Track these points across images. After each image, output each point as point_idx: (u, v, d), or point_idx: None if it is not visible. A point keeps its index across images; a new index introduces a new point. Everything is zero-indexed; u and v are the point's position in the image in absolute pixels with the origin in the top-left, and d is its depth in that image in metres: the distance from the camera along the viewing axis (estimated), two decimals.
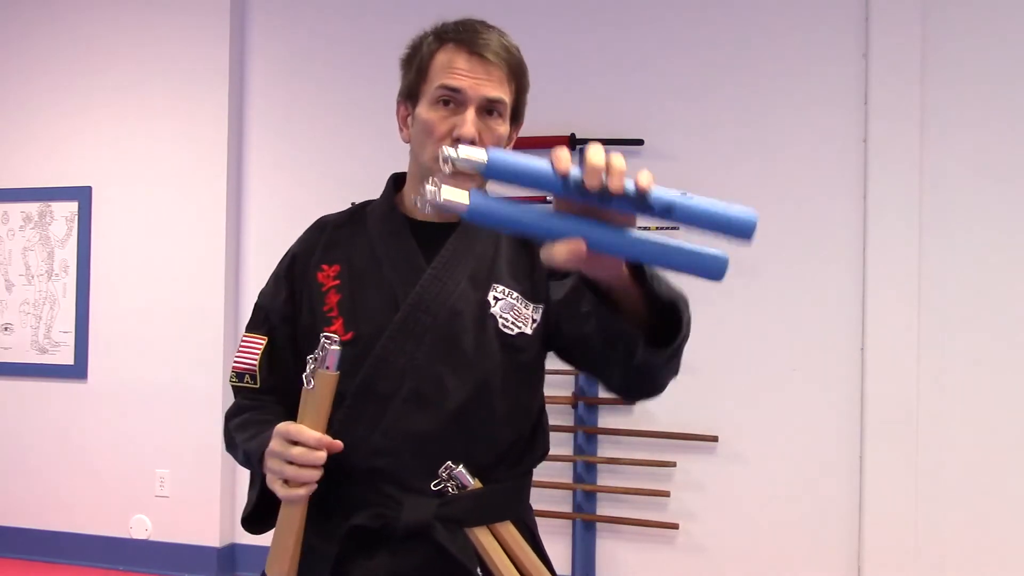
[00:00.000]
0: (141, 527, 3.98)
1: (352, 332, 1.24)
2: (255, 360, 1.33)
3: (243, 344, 1.36)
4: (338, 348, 1.12)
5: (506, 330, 1.25)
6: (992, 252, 3.15)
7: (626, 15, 3.53)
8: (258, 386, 1.34)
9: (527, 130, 3.94)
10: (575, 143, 3.47)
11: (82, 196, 4.09)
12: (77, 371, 4.08)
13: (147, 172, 4.02)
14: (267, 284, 1.38)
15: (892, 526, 3.18)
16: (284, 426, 1.14)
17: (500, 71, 1.24)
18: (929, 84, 3.20)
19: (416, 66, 1.28)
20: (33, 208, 4.17)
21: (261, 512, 1.28)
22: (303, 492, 1.14)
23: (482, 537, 1.24)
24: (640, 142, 3.44)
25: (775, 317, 3.33)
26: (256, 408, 1.34)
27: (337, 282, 1.29)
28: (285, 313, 1.33)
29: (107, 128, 4.08)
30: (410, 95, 1.29)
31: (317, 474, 1.13)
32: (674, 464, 3.37)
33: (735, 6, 3.42)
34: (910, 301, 3.18)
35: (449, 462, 1.22)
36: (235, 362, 1.36)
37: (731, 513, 3.36)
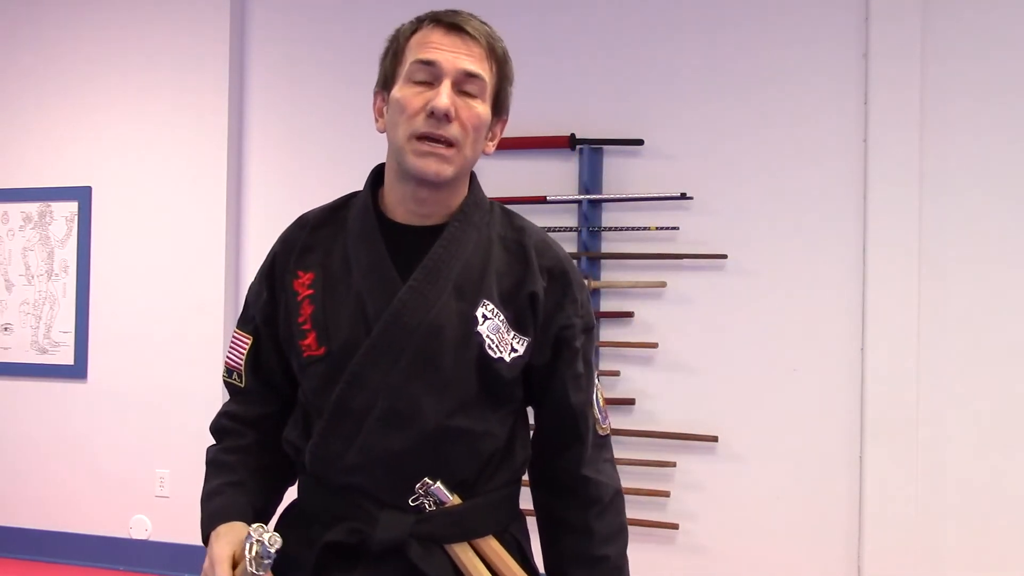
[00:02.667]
0: (141, 527, 3.98)
1: (324, 347, 1.20)
2: (241, 359, 1.32)
3: (233, 340, 1.35)
4: (277, 552, 1.10)
5: (491, 352, 1.19)
6: (992, 252, 3.15)
7: (626, 15, 3.53)
8: (243, 385, 1.33)
9: (527, 130, 3.95)
10: (575, 143, 3.47)
11: (82, 196, 4.09)
12: (77, 371, 4.08)
13: (147, 172, 4.01)
14: (254, 280, 1.35)
15: (892, 526, 3.18)
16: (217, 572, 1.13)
17: (478, 47, 1.17)
18: (929, 84, 3.19)
19: (392, 53, 1.22)
20: (33, 208, 4.17)
21: None
22: None
23: (461, 554, 1.21)
24: (640, 142, 3.44)
25: (775, 317, 3.33)
26: (235, 433, 1.31)
27: (311, 292, 1.23)
28: (266, 315, 1.29)
29: (107, 128, 4.08)
30: (386, 84, 1.23)
31: None
32: (674, 464, 3.37)
33: (735, 6, 3.42)
34: (910, 301, 3.18)
35: (426, 478, 1.18)
36: (227, 357, 1.36)
37: (731, 513, 3.36)
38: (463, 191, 1.26)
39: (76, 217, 4.10)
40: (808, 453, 3.29)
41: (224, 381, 1.37)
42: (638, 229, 3.39)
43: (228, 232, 3.93)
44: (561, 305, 1.26)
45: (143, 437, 3.96)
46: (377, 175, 1.29)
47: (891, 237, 3.20)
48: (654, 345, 3.39)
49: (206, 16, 3.96)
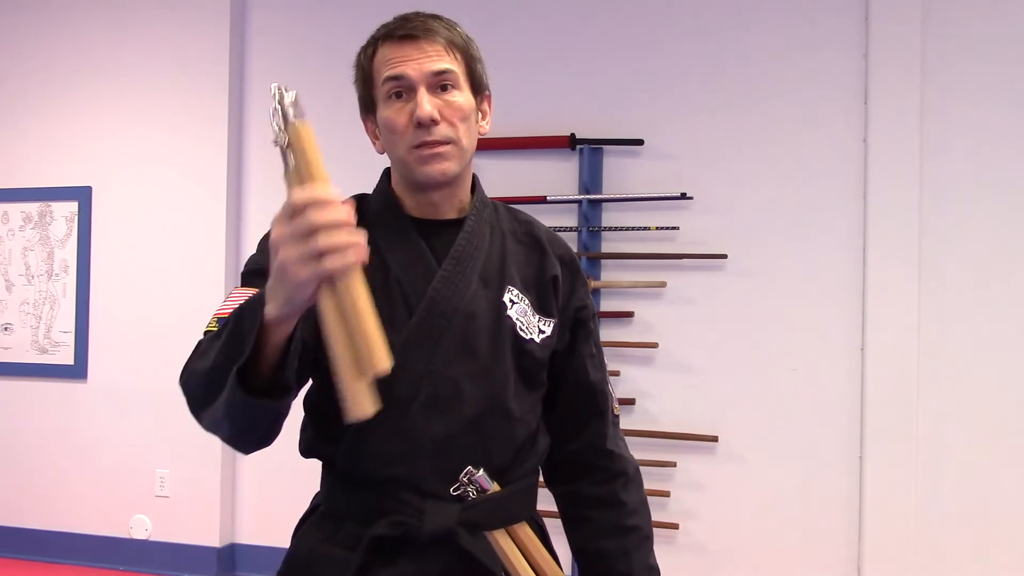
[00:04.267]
0: (141, 527, 3.98)
1: None
2: None
3: (233, 297, 1.14)
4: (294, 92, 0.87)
5: (522, 334, 1.25)
6: (992, 252, 3.15)
7: (626, 15, 3.53)
8: None
9: (527, 130, 3.95)
10: (575, 143, 3.47)
11: (82, 196, 4.09)
12: (77, 371, 4.08)
13: (147, 172, 4.01)
14: (263, 253, 1.18)
15: (892, 526, 3.18)
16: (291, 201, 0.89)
17: (436, 44, 1.21)
18: (929, 84, 3.20)
19: (361, 78, 1.28)
20: (33, 208, 4.17)
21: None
22: (353, 258, 0.84)
23: (501, 540, 1.24)
24: (640, 142, 3.44)
25: (775, 317, 3.33)
26: None
27: None
28: None
29: (107, 128, 4.08)
30: (368, 107, 1.28)
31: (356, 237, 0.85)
32: (674, 464, 3.37)
33: (735, 6, 3.42)
34: (910, 301, 3.18)
35: (470, 467, 1.21)
36: (219, 311, 1.14)
37: (731, 513, 3.36)
38: (468, 183, 1.31)
39: (76, 217, 4.10)
40: (808, 453, 3.29)
41: (206, 332, 1.12)
42: (638, 229, 3.39)
43: (228, 232, 3.93)
44: (574, 289, 1.35)
45: (143, 437, 3.96)
46: (388, 175, 1.33)
47: (891, 237, 3.20)
48: (654, 345, 3.39)
49: (206, 16, 3.96)
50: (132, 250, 4.02)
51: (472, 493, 1.21)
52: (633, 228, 3.39)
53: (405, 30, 1.21)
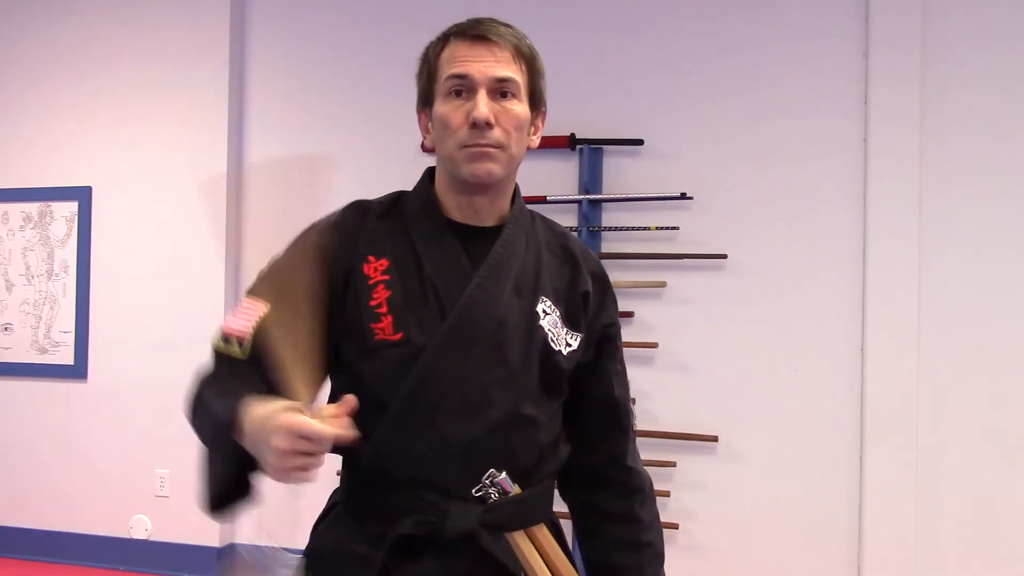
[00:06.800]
0: (141, 527, 3.98)
1: (401, 333, 1.21)
2: (249, 326, 1.20)
3: (243, 308, 1.23)
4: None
5: (553, 345, 1.26)
6: (992, 252, 3.15)
7: (626, 16, 3.53)
8: (244, 357, 1.20)
9: None
10: (575, 143, 3.47)
11: (82, 196, 4.09)
12: (77, 371, 4.08)
13: (147, 172, 4.02)
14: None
15: (892, 526, 3.18)
16: (293, 421, 0.99)
17: (505, 51, 1.23)
18: (929, 84, 3.20)
19: (426, 71, 1.28)
20: (33, 208, 4.17)
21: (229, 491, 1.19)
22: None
23: (520, 542, 1.25)
24: (640, 142, 3.44)
25: (775, 317, 3.33)
26: (236, 377, 1.19)
27: (387, 277, 1.24)
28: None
29: (107, 128, 4.08)
30: (426, 101, 1.28)
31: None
32: (674, 464, 3.37)
33: (735, 6, 3.42)
34: (910, 301, 3.18)
35: (492, 469, 1.22)
36: (227, 324, 1.23)
37: (731, 513, 3.36)
38: (510, 192, 1.32)
39: (76, 217, 4.09)
40: (808, 453, 3.29)
41: (214, 350, 1.23)
42: (638, 229, 3.39)
43: (228, 232, 3.91)
44: (603, 305, 1.37)
45: (143, 437, 3.96)
46: (430, 175, 1.33)
47: (891, 237, 3.20)
48: (654, 345, 3.39)
49: (206, 15, 3.96)
50: (132, 250, 4.02)
51: (494, 495, 1.22)
52: (633, 228, 3.39)
53: (478, 31, 1.23)
